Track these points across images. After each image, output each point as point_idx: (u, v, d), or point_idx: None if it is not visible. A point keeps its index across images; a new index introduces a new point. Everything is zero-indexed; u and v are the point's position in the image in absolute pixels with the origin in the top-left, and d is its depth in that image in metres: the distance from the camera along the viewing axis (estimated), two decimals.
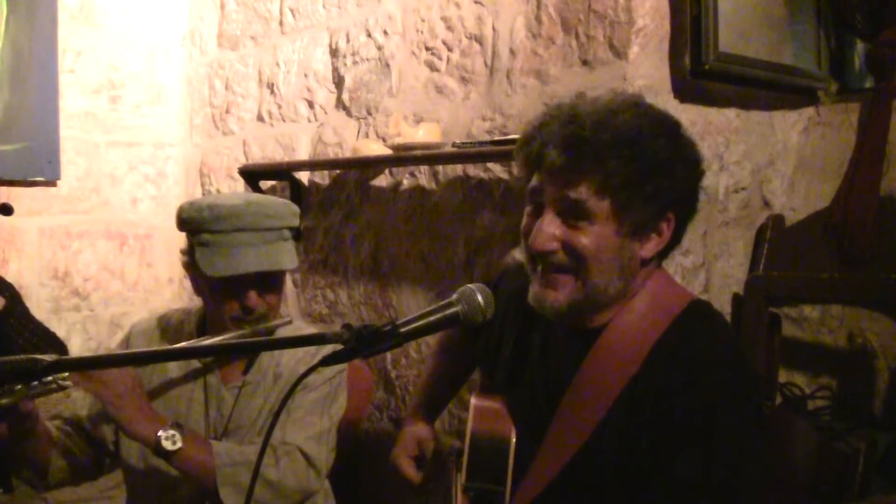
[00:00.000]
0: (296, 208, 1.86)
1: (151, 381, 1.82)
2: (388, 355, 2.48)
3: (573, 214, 1.24)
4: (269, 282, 1.76)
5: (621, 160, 1.21)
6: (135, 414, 1.59)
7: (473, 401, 1.44)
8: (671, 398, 1.22)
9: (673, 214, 1.29)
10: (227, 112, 3.22)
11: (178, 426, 1.63)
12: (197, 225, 1.74)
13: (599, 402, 1.27)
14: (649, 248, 1.29)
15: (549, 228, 1.25)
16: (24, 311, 2.25)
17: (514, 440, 1.35)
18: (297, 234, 1.84)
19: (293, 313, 2.87)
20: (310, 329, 2.03)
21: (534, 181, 1.29)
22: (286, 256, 1.77)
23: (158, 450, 1.59)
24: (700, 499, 1.19)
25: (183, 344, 1.88)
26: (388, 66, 2.53)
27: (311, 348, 1.75)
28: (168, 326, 1.90)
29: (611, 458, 1.26)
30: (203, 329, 1.85)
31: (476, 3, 2.25)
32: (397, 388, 2.50)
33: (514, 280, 1.52)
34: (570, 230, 1.24)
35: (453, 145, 2.20)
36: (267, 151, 3.02)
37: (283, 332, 1.84)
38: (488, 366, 1.55)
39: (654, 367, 1.25)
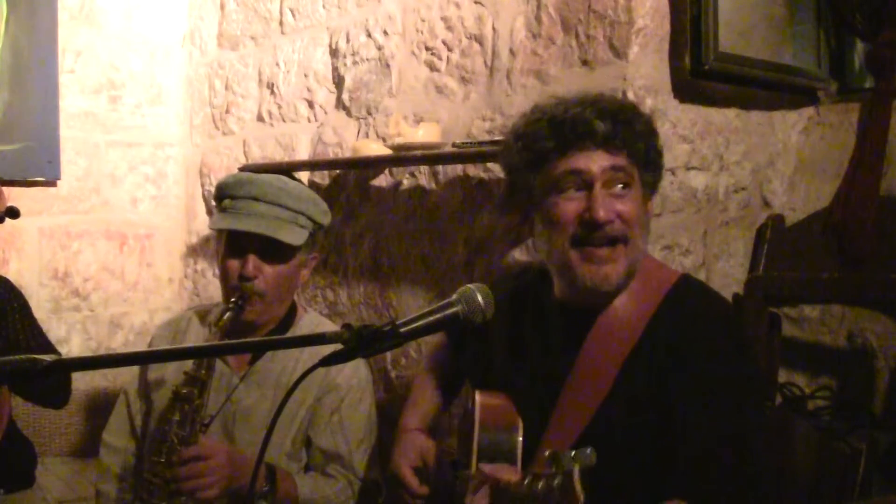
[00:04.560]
0: (324, 205, 1.93)
1: (165, 365, 1.86)
2: (388, 355, 2.48)
3: (617, 182, 1.35)
4: (271, 254, 1.82)
5: (642, 128, 1.38)
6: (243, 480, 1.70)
7: (478, 397, 1.46)
8: (674, 359, 1.31)
9: (656, 189, 1.46)
10: (227, 112, 3.22)
11: (268, 466, 1.74)
12: (221, 190, 1.89)
13: (603, 376, 1.35)
14: (648, 217, 1.44)
15: (606, 201, 1.33)
16: (28, 311, 2.25)
17: (521, 429, 1.39)
18: (318, 230, 1.91)
19: None
20: (326, 323, 2.06)
21: (574, 164, 1.35)
22: (289, 233, 1.82)
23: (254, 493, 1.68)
24: (716, 446, 1.26)
25: (181, 346, 1.92)
26: (388, 66, 2.53)
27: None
28: (200, 315, 2.02)
29: (620, 427, 1.32)
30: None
31: (476, 3, 2.25)
32: (397, 388, 2.50)
33: (501, 287, 1.56)
34: (615, 200, 1.34)
35: (453, 145, 2.20)
36: (267, 151, 3.02)
37: (302, 324, 1.95)
38: (481, 371, 1.57)
39: (653, 335, 1.35)
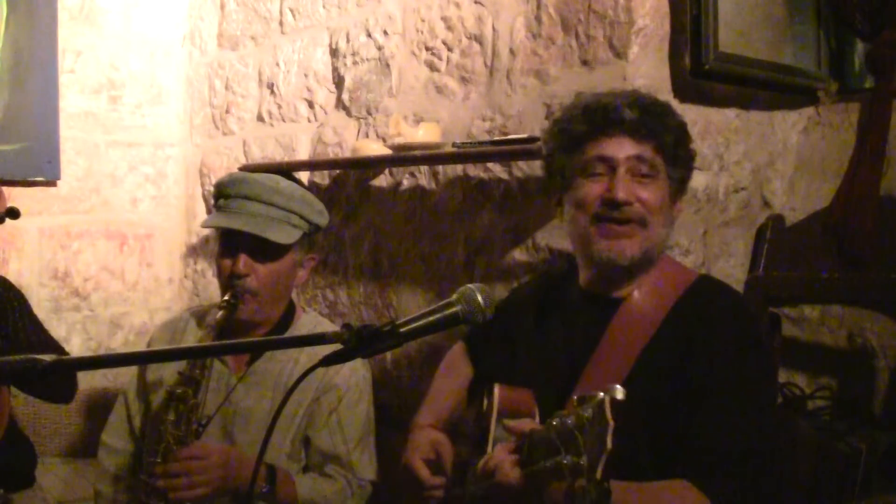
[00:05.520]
0: (319, 206, 1.93)
1: (164, 366, 1.86)
2: (388, 355, 2.48)
3: (641, 171, 1.44)
4: (263, 253, 1.83)
5: (673, 123, 1.48)
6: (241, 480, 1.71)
7: (497, 390, 1.48)
8: (692, 348, 1.38)
9: (684, 191, 1.53)
10: (227, 112, 3.22)
11: (269, 467, 1.73)
12: (217, 189, 1.92)
13: (622, 361, 1.42)
14: (674, 216, 1.52)
15: (629, 185, 1.43)
16: (29, 309, 2.25)
17: (538, 417, 1.41)
18: (314, 231, 1.93)
19: None
20: (325, 323, 2.06)
21: (602, 150, 1.45)
22: (279, 232, 1.82)
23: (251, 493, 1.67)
24: (727, 433, 1.32)
25: (182, 345, 1.92)
26: (388, 66, 2.53)
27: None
28: (197, 315, 2.03)
29: (636, 411, 1.34)
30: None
31: (476, 3, 2.25)
32: (397, 388, 2.50)
33: (522, 292, 1.71)
34: (638, 186, 1.44)
35: (453, 145, 2.20)
36: (267, 151, 3.02)
37: (300, 324, 1.96)
38: (505, 371, 1.59)
39: (672, 325, 1.43)
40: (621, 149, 1.44)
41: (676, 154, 1.48)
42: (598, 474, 0.96)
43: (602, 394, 1.00)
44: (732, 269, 2.12)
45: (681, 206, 1.55)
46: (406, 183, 2.48)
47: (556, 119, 1.55)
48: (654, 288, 1.48)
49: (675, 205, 1.52)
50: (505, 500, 1.21)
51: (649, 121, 1.45)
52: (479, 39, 2.24)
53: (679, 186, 1.51)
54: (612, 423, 0.96)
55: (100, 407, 2.89)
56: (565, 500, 1.03)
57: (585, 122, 1.48)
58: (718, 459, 1.30)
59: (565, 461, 0.99)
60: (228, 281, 1.83)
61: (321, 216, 1.92)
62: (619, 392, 1.00)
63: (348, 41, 2.67)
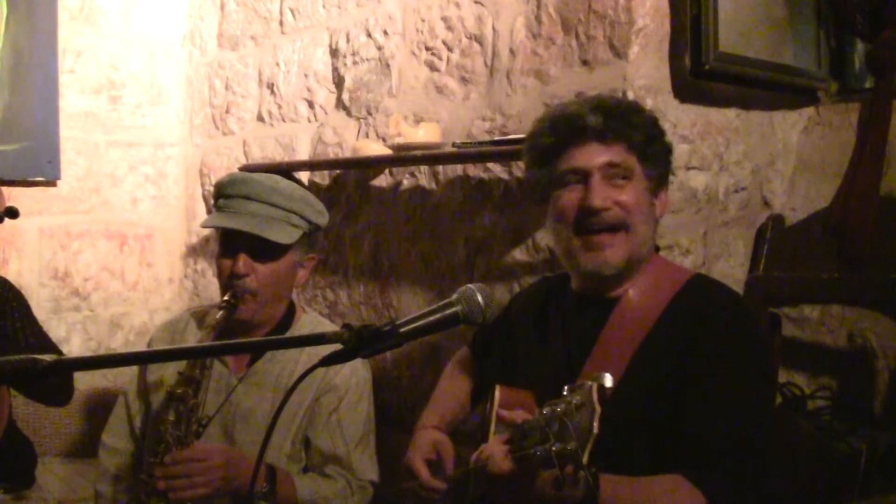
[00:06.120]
0: (319, 205, 1.93)
1: (164, 366, 1.86)
2: (388, 355, 2.48)
3: (616, 175, 1.44)
4: (263, 253, 1.83)
5: (641, 120, 1.48)
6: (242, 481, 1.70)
7: (497, 392, 1.49)
8: (687, 345, 1.38)
9: (665, 184, 1.53)
10: (227, 112, 3.22)
11: (269, 467, 1.73)
12: (217, 189, 1.91)
13: (618, 361, 1.42)
14: (658, 211, 1.51)
15: (604, 190, 1.43)
16: (28, 309, 2.25)
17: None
18: (314, 230, 1.93)
19: None
20: (325, 323, 2.07)
21: (572, 162, 1.46)
22: (278, 232, 1.82)
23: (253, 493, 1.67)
24: (722, 429, 1.32)
25: (182, 346, 1.93)
26: (388, 66, 2.53)
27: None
28: (197, 316, 2.03)
29: (633, 409, 1.37)
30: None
31: (476, 3, 2.25)
32: (397, 388, 2.50)
33: (525, 295, 1.73)
34: (614, 189, 1.44)
35: (453, 145, 2.20)
36: (267, 151, 3.02)
37: (301, 324, 1.96)
38: (507, 373, 1.61)
39: (668, 324, 1.43)
40: (592, 157, 1.44)
41: (649, 151, 1.48)
42: (585, 459, 0.97)
43: (590, 381, 1.01)
44: (732, 269, 2.12)
45: (665, 198, 1.53)
46: (406, 183, 2.48)
47: (528, 134, 1.55)
48: (648, 286, 1.48)
49: (656, 199, 1.50)
50: (498, 490, 1.23)
51: (614, 123, 1.45)
52: (479, 39, 2.24)
53: (657, 182, 1.50)
54: (598, 408, 0.98)
55: (100, 407, 2.89)
56: (555, 487, 1.05)
57: (553, 135, 1.48)
58: (713, 455, 1.30)
59: (554, 448, 1.00)
60: (228, 281, 1.82)
61: (321, 216, 1.92)
62: (608, 379, 1.02)
63: (348, 41, 2.67)
